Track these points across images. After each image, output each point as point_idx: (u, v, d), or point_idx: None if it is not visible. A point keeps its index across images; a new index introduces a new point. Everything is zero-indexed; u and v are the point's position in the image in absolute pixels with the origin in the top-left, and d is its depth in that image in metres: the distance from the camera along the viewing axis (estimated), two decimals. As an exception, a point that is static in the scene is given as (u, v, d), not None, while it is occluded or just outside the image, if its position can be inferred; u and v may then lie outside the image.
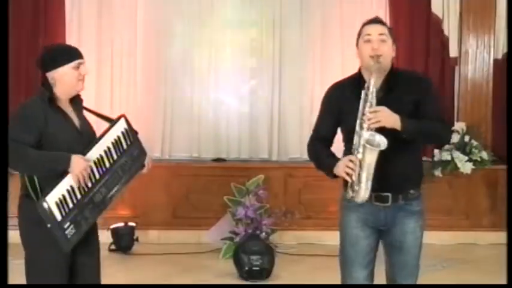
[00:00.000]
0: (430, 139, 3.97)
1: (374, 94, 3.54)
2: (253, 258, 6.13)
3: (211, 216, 7.05)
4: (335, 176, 3.68)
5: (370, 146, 3.48)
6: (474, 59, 7.66)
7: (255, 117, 7.84)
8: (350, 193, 3.62)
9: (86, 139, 3.78)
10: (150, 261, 6.72)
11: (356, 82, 3.75)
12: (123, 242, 6.99)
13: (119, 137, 3.86)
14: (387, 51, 3.68)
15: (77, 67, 3.76)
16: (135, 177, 3.96)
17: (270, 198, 6.96)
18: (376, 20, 3.79)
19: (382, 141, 3.47)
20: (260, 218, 6.69)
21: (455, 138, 7.41)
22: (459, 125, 7.51)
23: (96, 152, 3.74)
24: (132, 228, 7.09)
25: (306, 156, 7.56)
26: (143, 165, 4.01)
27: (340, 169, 3.60)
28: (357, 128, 3.57)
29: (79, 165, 3.59)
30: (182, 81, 7.82)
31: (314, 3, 7.76)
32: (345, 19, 7.68)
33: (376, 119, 3.48)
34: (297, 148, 7.70)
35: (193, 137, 7.81)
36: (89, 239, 3.83)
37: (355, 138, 3.57)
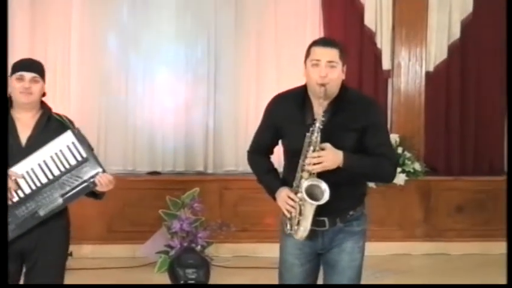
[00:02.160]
0: (373, 179, 3.91)
1: (318, 139, 3.37)
2: (188, 271, 6.09)
3: (146, 230, 6.98)
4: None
5: (309, 200, 3.38)
6: (407, 72, 7.77)
7: (190, 130, 7.79)
8: (289, 229, 3.54)
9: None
10: (84, 276, 6.60)
11: (300, 100, 3.57)
12: (56, 257, 6.86)
13: (61, 151, 3.75)
14: (335, 78, 3.46)
15: (20, 79, 3.77)
16: (85, 193, 3.90)
17: (206, 211, 6.91)
18: (327, 43, 3.54)
19: (324, 195, 3.37)
20: (196, 231, 6.65)
21: (388, 149, 7.50)
22: (392, 137, 7.57)
23: (27, 165, 3.66)
24: (65, 243, 6.96)
25: (241, 168, 7.61)
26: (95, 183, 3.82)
27: (280, 202, 3.54)
28: (299, 168, 3.44)
29: None
30: (117, 94, 7.72)
31: (248, 17, 7.78)
32: (279, 32, 7.72)
33: (318, 165, 3.36)
34: (233, 161, 7.70)
35: (128, 150, 7.72)
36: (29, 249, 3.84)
37: (297, 176, 3.45)
